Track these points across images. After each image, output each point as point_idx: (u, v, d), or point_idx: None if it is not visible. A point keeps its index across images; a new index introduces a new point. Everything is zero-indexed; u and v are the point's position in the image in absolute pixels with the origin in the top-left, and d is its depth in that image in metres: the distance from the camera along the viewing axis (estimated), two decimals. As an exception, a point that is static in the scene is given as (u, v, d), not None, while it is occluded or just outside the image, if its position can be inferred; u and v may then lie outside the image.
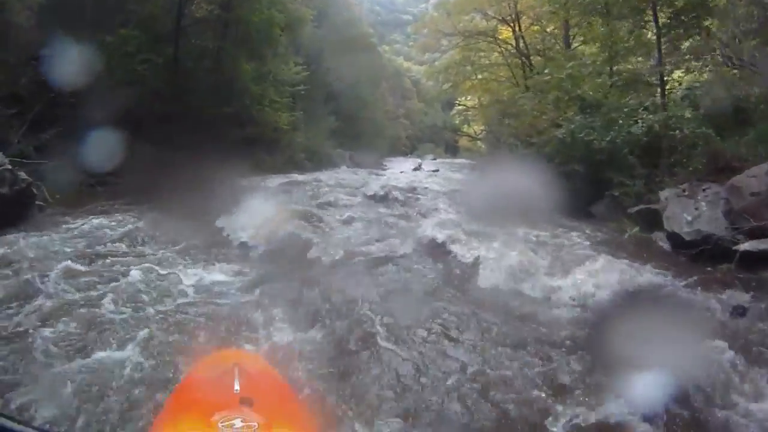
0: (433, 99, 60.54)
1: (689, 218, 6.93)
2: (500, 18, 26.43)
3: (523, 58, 25.73)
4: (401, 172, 23.83)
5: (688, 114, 9.28)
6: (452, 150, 52.32)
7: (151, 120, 15.23)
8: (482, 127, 38.44)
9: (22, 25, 13.86)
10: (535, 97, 14.61)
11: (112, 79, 14.53)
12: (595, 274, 5.94)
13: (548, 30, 25.60)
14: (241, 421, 1.88)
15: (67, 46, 12.76)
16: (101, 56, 13.80)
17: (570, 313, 5.56)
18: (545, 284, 6.16)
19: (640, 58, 13.74)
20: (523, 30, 25.74)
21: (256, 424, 1.87)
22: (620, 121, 10.37)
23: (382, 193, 12.23)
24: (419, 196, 13.02)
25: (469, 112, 37.50)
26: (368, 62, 43.25)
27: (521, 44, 25.90)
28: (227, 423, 1.86)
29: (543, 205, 10.63)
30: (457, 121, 41.39)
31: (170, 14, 18.58)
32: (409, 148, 55.15)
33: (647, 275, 6.02)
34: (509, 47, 27.31)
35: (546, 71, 14.50)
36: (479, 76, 29.97)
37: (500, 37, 27.80)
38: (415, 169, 27.87)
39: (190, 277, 6.36)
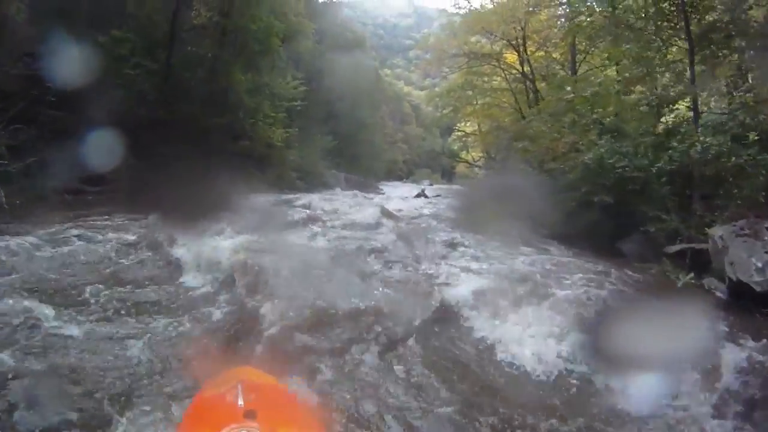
0: (431, 124, 59.92)
1: (759, 264, 5.56)
2: (507, 41, 25.21)
3: (528, 82, 24.60)
4: (404, 198, 22.28)
5: (753, 136, 7.86)
6: (448, 176, 51.38)
7: (139, 128, 13.98)
8: (481, 154, 37.47)
9: (13, 17, 13.23)
10: (549, 120, 13.34)
11: (102, 81, 13.27)
12: (659, 339, 4.48)
13: (554, 56, 24.68)
14: None
15: (60, 43, 11.83)
16: (93, 57, 12.60)
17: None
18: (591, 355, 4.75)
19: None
20: (528, 54, 24.59)
21: None
22: (675, 144, 8.89)
23: (380, 223, 10.79)
24: (421, 225, 11.64)
25: (468, 139, 36.52)
26: (369, 84, 42.28)
27: (526, 68, 24.76)
28: None
29: (564, 240, 9.37)
30: (455, 147, 40.40)
31: (169, 19, 17.36)
32: (406, 173, 53.92)
33: (723, 338, 4.63)
34: (514, 72, 26.27)
35: (568, 89, 13.19)
36: (481, 101, 28.86)
37: (505, 62, 26.75)
38: (418, 196, 26.57)
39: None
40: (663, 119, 11.23)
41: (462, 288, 6.22)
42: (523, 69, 25.00)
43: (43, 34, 12.25)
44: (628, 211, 8.71)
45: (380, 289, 6.28)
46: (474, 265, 7.41)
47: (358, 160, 37.34)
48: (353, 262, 7.47)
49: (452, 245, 8.93)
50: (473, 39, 26.90)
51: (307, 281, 6.04)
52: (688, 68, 10.24)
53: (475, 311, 5.70)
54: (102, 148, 11.10)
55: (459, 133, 37.97)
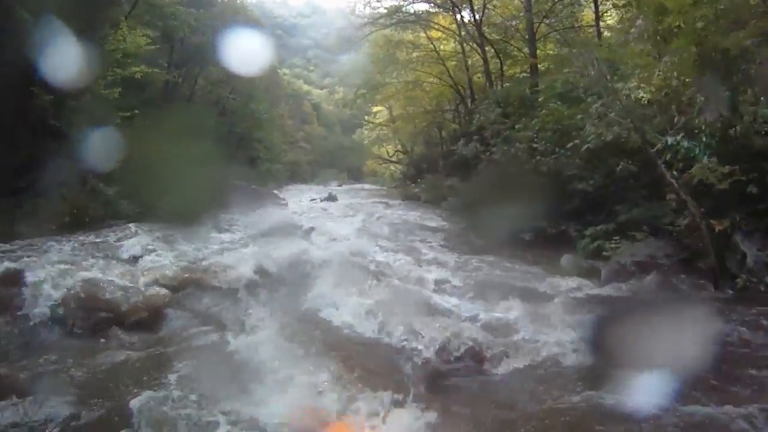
0: (333, 123, 51.55)
1: None
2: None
3: (476, 46, 16.26)
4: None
5: None
6: (355, 175, 42.85)
7: None
8: (396, 148, 29.08)
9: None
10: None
11: None
12: None
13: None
14: None
15: None
16: None
17: None
18: None
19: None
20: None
21: None
22: None
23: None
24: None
25: (382, 130, 28.21)
26: (266, 76, 32.77)
27: (471, 29, 16.40)
28: None
29: None
30: (366, 142, 31.97)
31: None
32: (310, 174, 44.55)
33: None
34: (448, 39, 18.03)
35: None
36: (403, 79, 20.40)
37: (434, 26, 18.39)
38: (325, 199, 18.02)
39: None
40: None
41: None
42: (464, 29, 16.63)
43: None
44: None
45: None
46: None
47: (255, 164, 27.82)
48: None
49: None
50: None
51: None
52: None
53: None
54: None
55: (369, 125, 29.72)
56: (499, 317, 5.05)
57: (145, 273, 6.27)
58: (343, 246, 8.00)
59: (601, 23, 13.38)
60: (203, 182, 13.26)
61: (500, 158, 9.01)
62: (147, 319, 5.20)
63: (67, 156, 9.72)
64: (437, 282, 6.13)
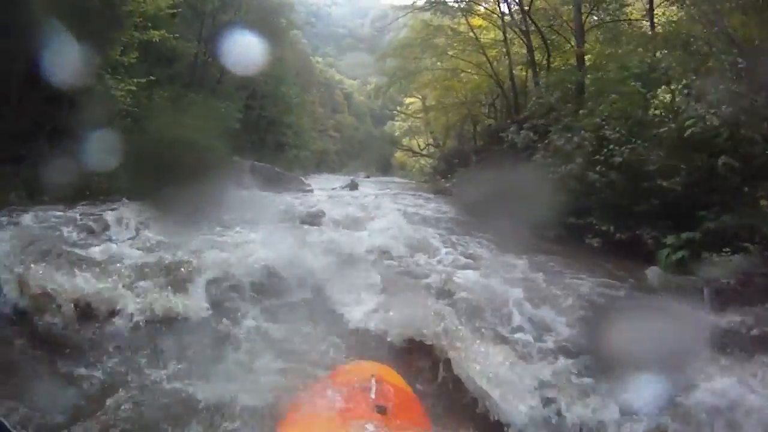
0: (364, 114, 50.63)
1: None
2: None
3: (519, 32, 14.98)
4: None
5: None
6: (384, 167, 41.61)
7: None
8: (428, 142, 27.91)
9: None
10: None
11: None
12: None
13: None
14: (374, 427, 1.78)
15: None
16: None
17: None
18: None
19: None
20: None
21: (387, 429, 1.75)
22: None
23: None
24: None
25: (414, 122, 27.13)
26: (297, 62, 31.65)
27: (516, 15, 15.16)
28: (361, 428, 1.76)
29: None
30: (397, 133, 30.86)
31: None
32: (338, 164, 43.51)
33: None
34: (490, 25, 16.77)
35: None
36: (439, 66, 19.25)
37: (476, 11, 17.12)
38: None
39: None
40: None
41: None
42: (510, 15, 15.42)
43: None
44: None
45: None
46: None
47: (283, 149, 26.81)
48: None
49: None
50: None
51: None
52: None
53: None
54: None
55: (401, 116, 28.73)
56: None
57: (133, 254, 5.28)
58: (376, 237, 6.88)
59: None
60: (222, 161, 12.35)
61: (564, 146, 7.69)
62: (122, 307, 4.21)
63: (74, 125, 8.88)
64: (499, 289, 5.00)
